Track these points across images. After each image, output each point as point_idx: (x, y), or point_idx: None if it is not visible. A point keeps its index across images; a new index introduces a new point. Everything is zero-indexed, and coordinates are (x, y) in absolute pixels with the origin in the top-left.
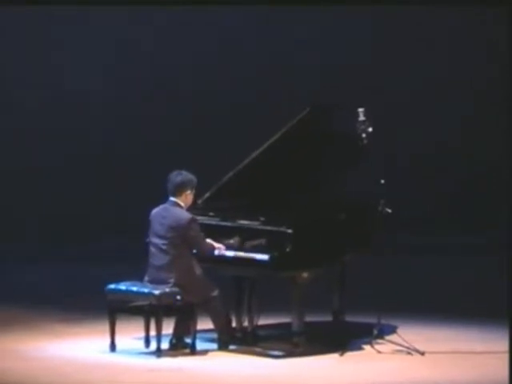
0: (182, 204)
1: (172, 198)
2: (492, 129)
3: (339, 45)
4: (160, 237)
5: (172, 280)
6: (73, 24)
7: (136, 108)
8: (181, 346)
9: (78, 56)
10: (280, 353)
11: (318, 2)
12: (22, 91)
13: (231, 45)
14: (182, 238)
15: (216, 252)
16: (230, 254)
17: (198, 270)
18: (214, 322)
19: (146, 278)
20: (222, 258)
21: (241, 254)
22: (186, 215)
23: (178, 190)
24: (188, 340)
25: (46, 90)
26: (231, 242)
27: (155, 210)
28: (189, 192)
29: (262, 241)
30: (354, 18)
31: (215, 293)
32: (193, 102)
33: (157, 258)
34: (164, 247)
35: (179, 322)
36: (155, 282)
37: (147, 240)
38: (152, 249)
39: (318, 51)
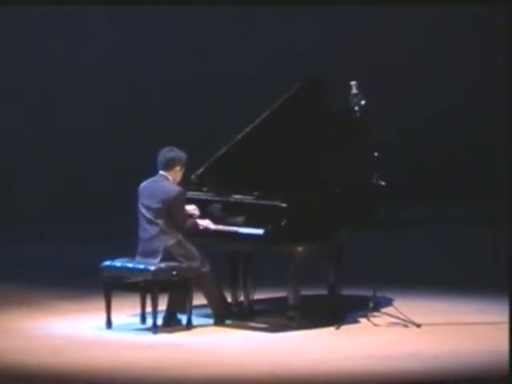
0: (171, 178)
1: (161, 172)
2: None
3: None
4: (148, 209)
5: (161, 249)
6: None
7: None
8: (174, 322)
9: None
10: (276, 327)
11: (318, 2)
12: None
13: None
14: (168, 209)
15: (201, 227)
16: (220, 228)
17: (188, 243)
18: (207, 297)
19: (138, 251)
20: (215, 232)
21: (236, 228)
22: (176, 188)
23: (169, 164)
24: (181, 316)
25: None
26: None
27: (144, 183)
28: (178, 168)
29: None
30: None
31: (206, 268)
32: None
33: (146, 230)
34: (152, 219)
35: (172, 298)
36: (145, 253)
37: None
38: (141, 221)
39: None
